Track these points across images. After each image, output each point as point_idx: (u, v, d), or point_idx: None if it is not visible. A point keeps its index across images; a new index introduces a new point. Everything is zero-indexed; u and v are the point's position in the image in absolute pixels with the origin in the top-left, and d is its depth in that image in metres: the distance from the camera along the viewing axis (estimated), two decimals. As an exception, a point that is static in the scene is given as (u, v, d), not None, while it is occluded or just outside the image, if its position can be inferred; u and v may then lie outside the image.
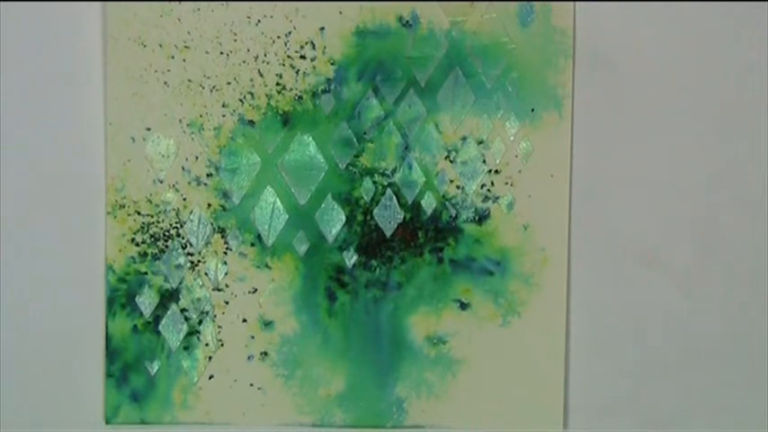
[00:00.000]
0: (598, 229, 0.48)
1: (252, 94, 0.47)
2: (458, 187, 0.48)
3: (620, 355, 0.48)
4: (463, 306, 0.48)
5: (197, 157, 0.47)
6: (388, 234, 0.48)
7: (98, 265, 0.47)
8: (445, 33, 0.47)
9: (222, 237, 0.47)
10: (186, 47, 0.46)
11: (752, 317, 0.48)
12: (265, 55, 0.47)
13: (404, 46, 0.47)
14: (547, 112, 0.47)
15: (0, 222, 0.47)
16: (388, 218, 0.48)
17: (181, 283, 0.47)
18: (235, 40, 0.46)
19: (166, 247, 0.47)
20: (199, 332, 0.48)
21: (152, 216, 0.47)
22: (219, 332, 0.48)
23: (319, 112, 0.47)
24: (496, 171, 0.48)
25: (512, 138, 0.47)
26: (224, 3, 0.46)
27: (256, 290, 0.47)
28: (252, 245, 0.47)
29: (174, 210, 0.47)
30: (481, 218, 0.48)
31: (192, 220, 0.47)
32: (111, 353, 0.47)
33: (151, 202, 0.47)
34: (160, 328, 0.47)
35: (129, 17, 0.46)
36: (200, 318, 0.48)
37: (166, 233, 0.47)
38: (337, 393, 0.48)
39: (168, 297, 0.47)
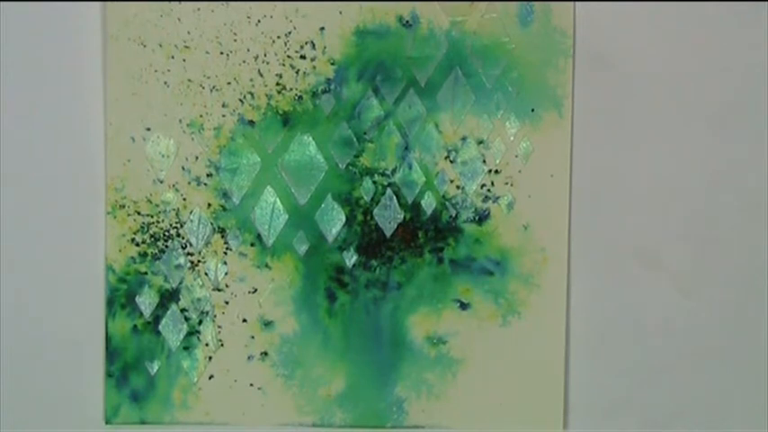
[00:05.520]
0: (598, 229, 0.48)
1: (252, 94, 0.47)
2: (458, 187, 0.48)
3: (620, 355, 0.48)
4: (463, 306, 0.48)
5: (197, 157, 0.47)
6: (388, 234, 0.48)
7: (98, 265, 0.47)
8: (445, 33, 0.47)
9: (222, 237, 0.47)
10: (186, 47, 0.46)
11: (752, 317, 0.48)
12: (265, 55, 0.47)
13: (404, 46, 0.47)
14: (547, 112, 0.47)
15: (0, 222, 0.47)
16: (388, 218, 0.48)
17: (181, 283, 0.47)
18: (235, 40, 0.46)
19: (166, 247, 0.47)
20: (199, 332, 0.48)
21: (152, 216, 0.47)
22: (219, 332, 0.48)
23: (319, 112, 0.47)
24: (496, 171, 0.48)
25: (512, 138, 0.47)
26: (224, 3, 0.46)
27: (256, 290, 0.47)
28: (252, 245, 0.47)
29: (174, 210, 0.47)
30: (481, 218, 0.48)
31: (192, 220, 0.47)
32: (111, 353, 0.47)
33: (151, 202, 0.47)
34: (160, 328, 0.47)
35: (129, 17, 0.46)
36: (200, 318, 0.48)
37: (166, 233, 0.47)
38: (337, 393, 0.48)
39: (168, 297, 0.47)
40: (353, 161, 0.47)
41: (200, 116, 0.47)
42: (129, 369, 0.47)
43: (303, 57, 0.47)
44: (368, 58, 0.47)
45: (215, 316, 0.48)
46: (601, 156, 0.48)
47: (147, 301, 0.47)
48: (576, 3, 0.47)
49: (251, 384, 0.48)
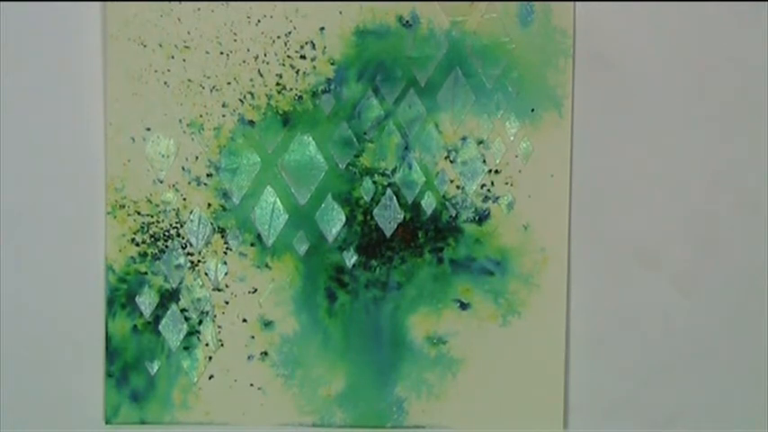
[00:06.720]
0: (598, 229, 0.48)
1: (252, 94, 0.47)
2: (458, 187, 0.48)
3: (620, 355, 0.48)
4: (463, 306, 0.48)
5: (197, 157, 0.47)
6: (388, 234, 0.48)
7: (98, 265, 0.47)
8: (445, 33, 0.47)
9: (222, 237, 0.47)
10: (186, 47, 0.46)
11: (752, 317, 0.48)
12: (265, 55, 0.47)
13: (404, 46, 0.47)
14: (547, 112, 0.47)
15: (0, 222, 0.47)
16: (388, 218, 0.48)
17: (181, 283, 0.47)
18: (235, 40, 0.46)
19: (166, 247, 0.47)
20: (199, 332, 0.48)
21: (152, 216, 0.47)
22: (219, 332, 0.48)
23: (319, 112, 0.47)
24: (496, 171, 0.48)
25: (512, 138, 0.47)
26: (224, 3, 0.46)
27: (256, 290, 0.47)
28: (252, 245, 0.47)
29: (174, 210, 0.47)
30: (481, 218, 0.48)
31: (192, 220, 0.47)
32: (111, 353, 0.47)
33: (151, 202, 0.47)
34: (160, 328, 0.47)
35: (129, 17, 0.46)
36: (200, 318, 0.48)
37: (166, 233, 0.47)
38: (337, 393, 0.48)
39: (168, 297, 0.47)
40: (353, 161, 0.47)
41: (200, 116, 0.47)
42: (129, 369, 0.47)
43: (303, 57, 0.47)
44: (368, 58, 0.47)
45: (215, 316, 0.48)
46: (601, 156, 0.48)
47: (147, 301, 0.47)
48: (576, 3, 0.47)
49: (251, 384, 0.48)
